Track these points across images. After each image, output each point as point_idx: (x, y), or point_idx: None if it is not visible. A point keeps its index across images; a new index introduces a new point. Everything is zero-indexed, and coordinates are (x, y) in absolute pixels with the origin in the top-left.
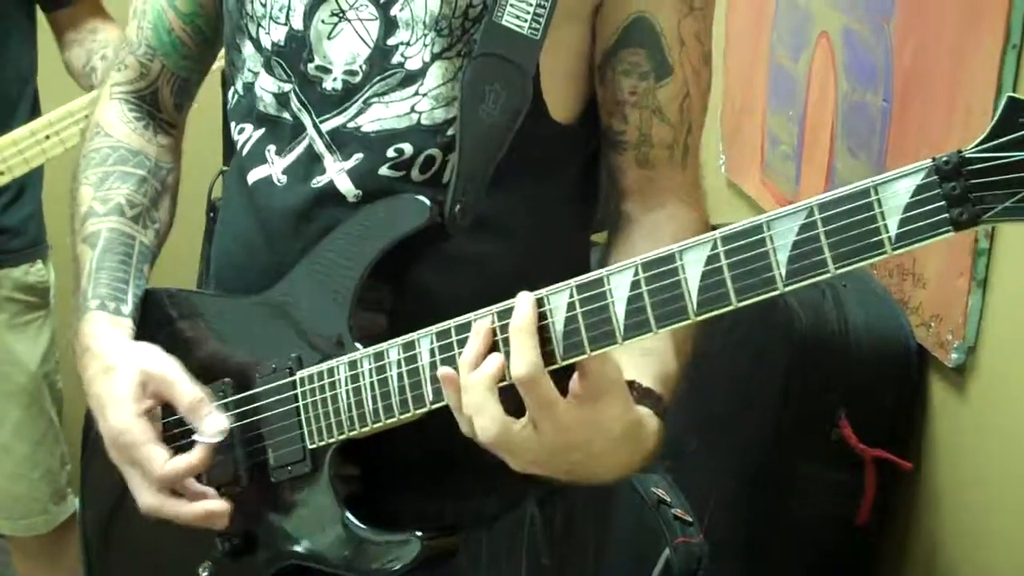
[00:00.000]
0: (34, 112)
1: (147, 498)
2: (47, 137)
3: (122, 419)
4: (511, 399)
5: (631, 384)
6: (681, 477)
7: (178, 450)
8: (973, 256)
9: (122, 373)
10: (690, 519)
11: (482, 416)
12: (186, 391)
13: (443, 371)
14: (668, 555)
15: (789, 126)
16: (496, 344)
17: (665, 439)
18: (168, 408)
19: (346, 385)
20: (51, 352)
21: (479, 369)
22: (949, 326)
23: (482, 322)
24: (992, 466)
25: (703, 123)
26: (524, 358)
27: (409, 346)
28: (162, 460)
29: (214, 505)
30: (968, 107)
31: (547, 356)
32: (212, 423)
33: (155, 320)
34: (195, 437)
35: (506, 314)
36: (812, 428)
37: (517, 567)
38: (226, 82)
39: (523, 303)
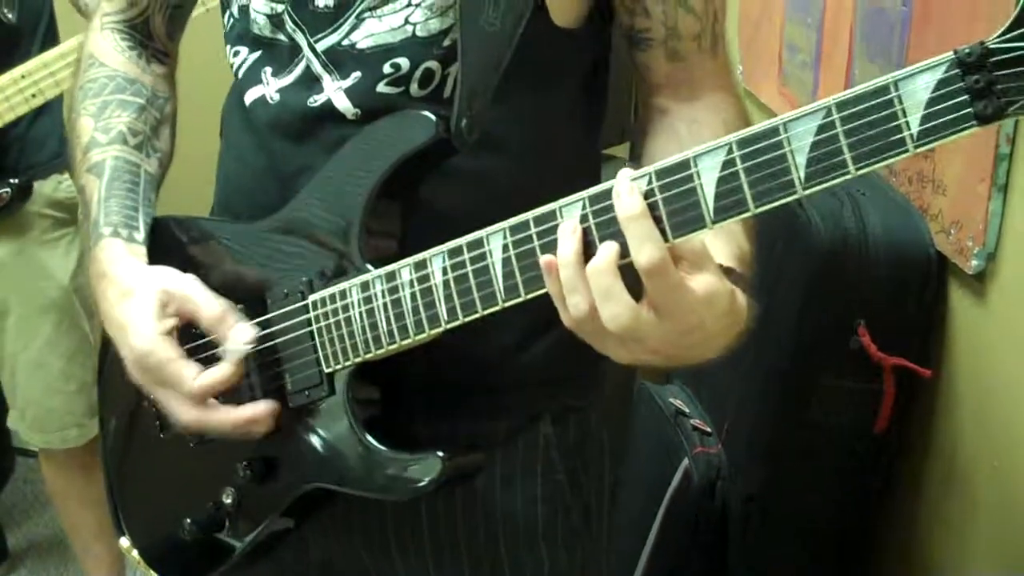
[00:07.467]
0: (51, 34)
1: (184, 414)
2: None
3: (147, 340)
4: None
5: None
6: (699, 388)
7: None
8: (994, 161)
9: (141, 295)
10: (708, 430)
11: (612, 303)
12: (209, 305)
13: (546, 259)
14: (687, 465)
15: (807, 34)
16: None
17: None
18: (182, 330)
19: (359, 307)
20: (82, 267)
21: (600, 255)
22: (969, 232)
23: (569, 222)
24: (1012, 372)
25: (726, 9)
26: (649, 243)
27: (421, 265)
28: (194, 374)
29: (256, 409)
30: (991, 13)
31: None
32: (239, 333)
33: (164, 248)
34: (224, 348)
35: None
36: (831, 337)
37: (532, 486)
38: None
39: (626, 189)
